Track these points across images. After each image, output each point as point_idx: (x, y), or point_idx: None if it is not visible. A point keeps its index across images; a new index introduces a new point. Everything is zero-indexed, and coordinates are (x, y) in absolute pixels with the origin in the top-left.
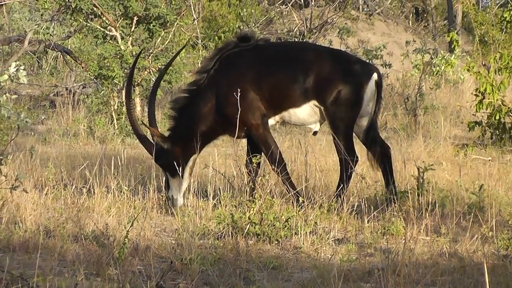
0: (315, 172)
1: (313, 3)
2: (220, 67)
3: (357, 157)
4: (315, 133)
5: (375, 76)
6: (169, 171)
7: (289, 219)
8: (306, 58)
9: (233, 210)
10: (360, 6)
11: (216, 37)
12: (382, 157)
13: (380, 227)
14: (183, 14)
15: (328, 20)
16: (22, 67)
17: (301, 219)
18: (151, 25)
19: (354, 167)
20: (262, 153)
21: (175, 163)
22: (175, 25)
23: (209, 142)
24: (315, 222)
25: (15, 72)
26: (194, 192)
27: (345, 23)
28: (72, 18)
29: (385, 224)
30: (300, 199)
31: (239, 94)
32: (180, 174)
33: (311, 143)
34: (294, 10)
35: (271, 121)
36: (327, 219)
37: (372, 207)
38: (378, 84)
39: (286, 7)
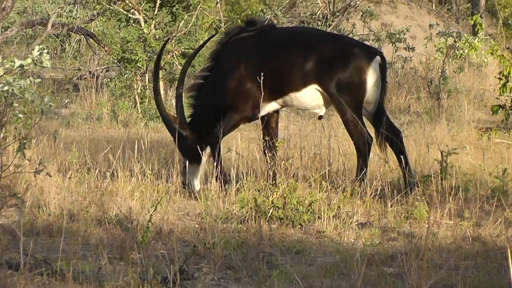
0: (338, 156)
1: None
2: (226, 52)
3: (370, 138)
4: (320, 117)
5: (377, 59)
6: (188, 157)
7: (312, 203)
8: (306, 42)
9: (256, 194)
10: None
11: (239, 20)
12: (392, 141)
13: (403, 211)
14: None
15: (351, 3)
16: (45, 51)
17: (324, 203)
18: (174, 8)
19: (369, 148)
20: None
21: (193, 150)
22: (198, 8)
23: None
24: (338, 206)
25: (38, 56)
26: (218, 175)
27: (368, 6)
28: (95, 1)
29: (408, 208)
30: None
31: (236, 80)
32: (197, 161)
33: (334, 126)
34: None
35: (274, 105)
36: (350, 203)
37: (395, 191)
38: (382, 68)
39: None
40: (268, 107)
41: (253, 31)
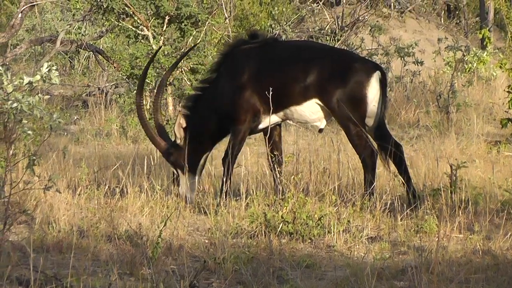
0: (347, 170)
1: (344, 1)
2: (227, 64)
3: (375, 152)
4: (320, 130)
5: (377, 74)
6: (181, 168)
7: (322, 218)
8: (308, 56)
9: (266, 209)
10: (392, 4)
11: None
12: (394, 156)
13: (413, 225)
14: (215, 13)
15: (360, 18)
16: (54, 67)
17: (334, 218)
18: (183, 24)
19: (375, 161)
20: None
21: (187, 161)
22: (206, 24)
23: (223, 137)
24: (348, 221)
25: (47, 73)
26: (226, 191)
27: (377, 21)
28: (104, 18)
29: (418, 222)
30: (226, 200)
31: (237, 91)
32: (192, 172)
33: (344, 141)
34: (325, 8)
35: (275, 118)
36: (360, 217)
37: (405, 205)
38: (382, 83)
39: (318, 5)
40: (269, 120)
41: (255, 44)
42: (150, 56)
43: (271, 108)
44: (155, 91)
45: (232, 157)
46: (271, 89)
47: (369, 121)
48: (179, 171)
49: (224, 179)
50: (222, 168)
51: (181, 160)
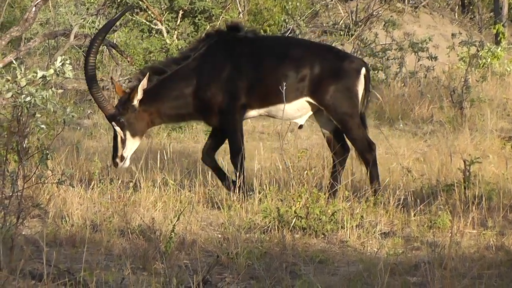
0: (360, 165)
1: None
2: (207, 52)
3: (373, 144)
4: (300, 126)
5: (363, 70)
6: (131, 131)
7: (335, 213)
8: (297, 54)
9: (279, 204)
10: None
11: (262, 31)
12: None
13: (426, 221)
14: (229, 8)
15: (374, 13)
16: (68, 61)
17: (347, 213)
18: (197, 19)
19: (374, 154)
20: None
21: (140, 125)
22: (220, 18)
23: (179, 121)
24: (361, 216)
25: (61, 67)
26: (240, 186)
27: (391, 16)
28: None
29: (432, 218)
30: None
31: (223, 81)
32: (139, 136)
33: None
34: (339, 3)
35: (254, 113)
36: (373, 212)
37: (418, 201)
38: (366, 78)
39: (332, 0)
40: (248, 115)
41: (238, 36)
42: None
43: (255, 105)
44: (87, 48)
45: (238, 151)
46: (257, 86)
47: None
48: (128, 133)
49: (237, 174)
50: (233, 165)
51: (132, 122)
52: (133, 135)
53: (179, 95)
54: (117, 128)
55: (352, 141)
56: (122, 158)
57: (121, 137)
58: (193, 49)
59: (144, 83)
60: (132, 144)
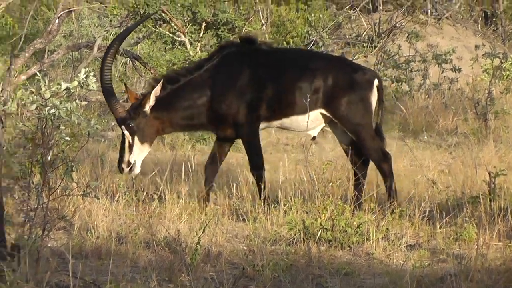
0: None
1: (381, 8)
2: (221, 63)
3: (389, 154)
4: (314, 138)
5: (376, 82)
6: (139, 137)
7: (360, 225)
8: (311, 67)
9: (305, 216)
10: (429, 11)
11: (285, 42)
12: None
13: (452, 233)
14: (252, 20)
15: (397, 25)
16: (91, 73)
17: (372, 225)
18: (220, 30)
19: (390, 164)
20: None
21: (150, 131)
22: (243, 30)
23: (191, 130)
24: (387, 228)
25: (84, 79)
26: (265, 198)
27: (414, 27)
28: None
29: (457, 230)
30: (266, 207)
31: (238, 94)
32: (149, 143)
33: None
34: (362, 15)
35: (267, 125)
36: (399, 225)
37: (443, 213)
38: (379, 89)
39: (355, 12)
40: (262, 127)
41: (251, 48)
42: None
43: (270, 116)
44: (105, 52)
45: (258, 163)
46: (272, 98)
47: None
48: (136, 139)
49: (262, 187)
50: (254, 177)
51: (142, 128)
52: (142, 141)
53: (191, 105)
54: (126, 133)
55: (367, 152)
56: (128, 164)
57: (129, 142)
58: (207, 60)
59: (157, 90)
60: (139, 150)
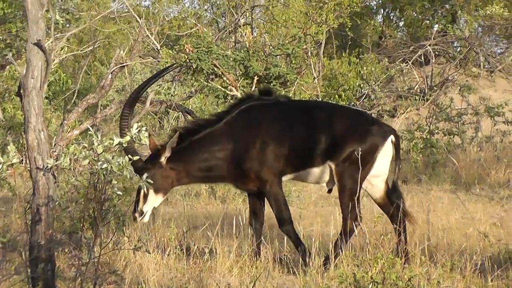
0: (437, 230)
1: (433, 61)
2: (240, 116)
3: (359, 219)
4: (330, 190)
5: (391, 138)
6: (154, 186)
7: (411, 278)
8: (327, 119)
9: (355, 269)
10: (481, 63)
11: (337, 95)
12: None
13: (504, 286)
14: (303, 73)
15: (449, 78)
16: (144, 128)
17: (423, 278)
18: (272, 84)
19: (355, 226)
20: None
21: (165, 182)
22: (295, 84)
23: (209, 182)
24: (438, 281)
25: (137, 133)
26: (315, 251)
27: (466, 80)
28: (193, 78)
29: (509, 283)
30: (307, 259)
31: (259, 148)
32: (163, 193)
33: (433, 201)
34: (414, 68)
35: (284, 178)
36: (450, 278)
37: (495, 266)
38: (396, 146)
39: (407, 65)
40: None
41: (270, 101)
42: None
43: (288, 168)
44: (124, 105)
45: (285, 217)
46: (290, 150)
47: (377, 181)
48: (152, 189)
49: (296, 244)
50: (285, 233)
51: (157, 178)
52: (156, 191)
53: (209, 158)
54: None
55: (342, 204)
56: (142, 213)
57: (143, 191)
58: (226, 112)
59: (173, 141)
60: (153, 200)
